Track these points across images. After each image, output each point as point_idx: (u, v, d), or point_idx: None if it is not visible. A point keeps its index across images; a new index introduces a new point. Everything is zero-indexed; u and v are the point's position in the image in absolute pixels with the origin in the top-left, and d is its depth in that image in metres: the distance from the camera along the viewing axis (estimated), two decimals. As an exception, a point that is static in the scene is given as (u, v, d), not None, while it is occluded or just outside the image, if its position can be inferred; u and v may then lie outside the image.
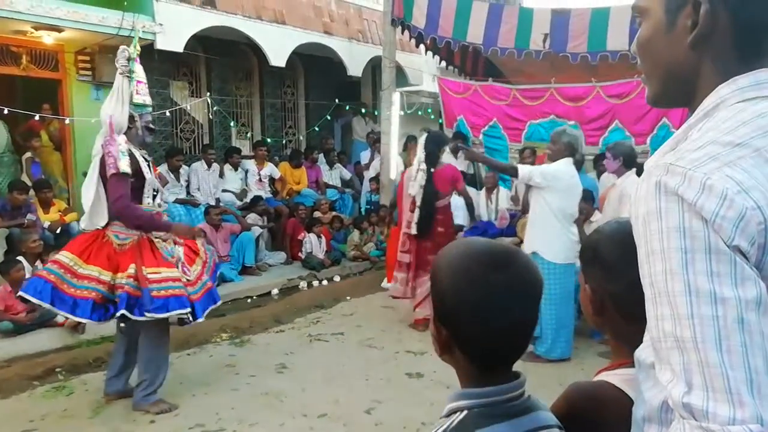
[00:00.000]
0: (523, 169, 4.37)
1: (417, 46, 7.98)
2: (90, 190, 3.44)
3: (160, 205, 3.72)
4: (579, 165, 5.75)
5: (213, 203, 7.05)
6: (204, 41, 7.66)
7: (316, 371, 4.14)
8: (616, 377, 1.03)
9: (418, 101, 9.52)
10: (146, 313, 3.26)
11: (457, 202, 6.73)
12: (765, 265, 0.69)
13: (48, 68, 6.76)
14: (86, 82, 6.90)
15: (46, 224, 5.88)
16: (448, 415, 0.91)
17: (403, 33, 7.49)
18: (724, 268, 0.67)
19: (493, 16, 6.85)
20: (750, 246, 0.68)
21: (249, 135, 9.00)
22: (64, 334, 4.68)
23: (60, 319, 4.73)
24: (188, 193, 7.24)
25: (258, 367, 4.24)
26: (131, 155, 3.43)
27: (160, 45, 6.71)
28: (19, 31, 6.13)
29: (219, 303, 3.84)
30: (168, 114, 7.54)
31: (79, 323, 4.62)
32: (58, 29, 6.11)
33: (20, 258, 4.94)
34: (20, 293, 3.31)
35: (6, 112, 6.09)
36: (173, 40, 6.82)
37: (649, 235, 0.73)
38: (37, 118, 6.41)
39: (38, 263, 5.12)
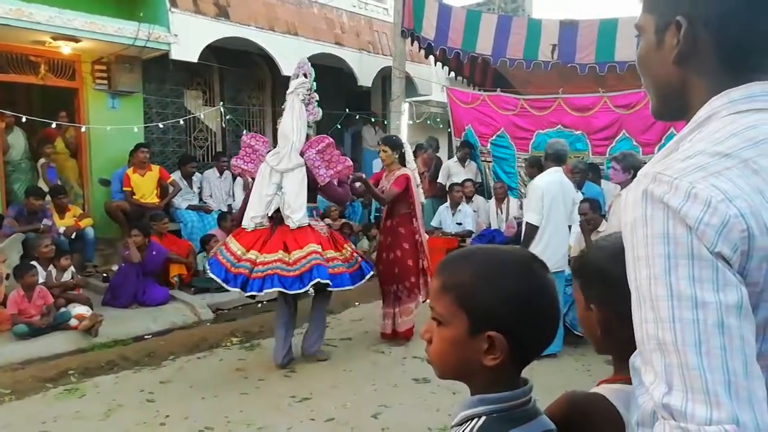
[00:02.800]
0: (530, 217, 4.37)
1: (426, 57, 8.08)
2: (302, 196, 4.23)
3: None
4: (585, 175, 5.81)
5: (225, 210, 7.15)
6: (218, 51, 7.80)
7: (324, 376, 4.18)
8: (612, 391, 1.02)
9: (427, 111, 9.61)
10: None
11: (467, 210, 6.80)
12: (750, 272, 0.71)
13: (65, 77, 6.93)
14: (102, 91, 7.05)
15: (62, 229, 6.00)
16: (460, 423, 0.89)
17: (412, 44, 7.59)
18: (706, 274, 0.69)
19: (502, 28, 6.93)
20: (733, 252, 0.69)
21: (261, 144, 9.11)
22: (77, 337, 4.76)
23: (73, 322, 4.83)
24: (200, 199, 7.35)
25: (267, 371, 4.29)
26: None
27: (174, 55, 6.85)
28: (38, 41, 6.29)
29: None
30: (182, 122, 7.67)
31: (93, 326, 4.75)
32: (76, 39, 6.27)
33: (34, 263, 5.04)
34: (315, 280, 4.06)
35: (24, 119, 6.25)
36: (188, 50, 6.96)
37: (635, 242, 0.75)
38: (53, 125, 6.56)
39: (51, 267, 5.23)
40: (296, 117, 4.28)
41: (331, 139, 4.39)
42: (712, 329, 0.68)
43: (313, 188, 4.30)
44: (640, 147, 6.28)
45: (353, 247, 4.73)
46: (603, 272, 1.00)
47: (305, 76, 4.39)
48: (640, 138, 6.29)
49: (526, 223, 4.35)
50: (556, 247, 4.32)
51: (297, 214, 4.17)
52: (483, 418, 0.88)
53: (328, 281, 4.06)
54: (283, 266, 4.01)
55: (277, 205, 4.19)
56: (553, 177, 4.39)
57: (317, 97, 4.43)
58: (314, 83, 4.42)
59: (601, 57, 6.34)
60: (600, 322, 1.02)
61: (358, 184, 4.75)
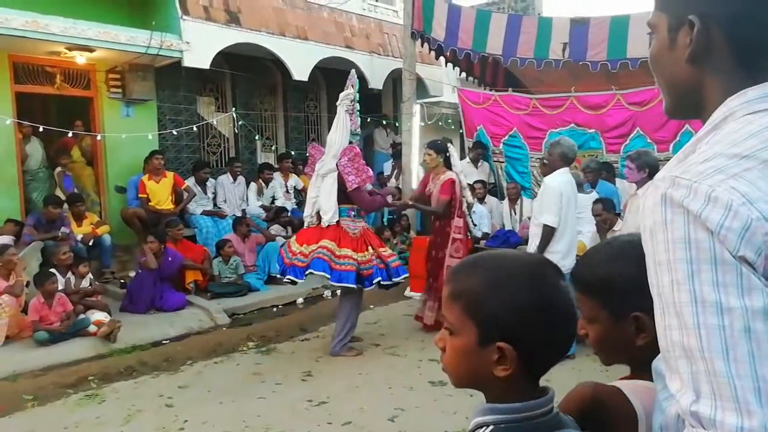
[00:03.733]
0: (546, 219, 4.37)
1: (437, 58, 8.06)
2: (332, 198, 4.56)
3: None
4: (598, 174, 5.76)
5: (239, 215, 7.20)
6: (229, 58, 7.86)
7: (341, 379, 4.19)
8: (629, 386, 1.02)
9: (438, 112, 9.59)
10: (393, 279, 4.69)
11: (482, 210, 6.77)
12: None
13: (80, 87, 7.03)
14: (116, 99, 7.15)
15: (79, 237, 6.09)
16: (473, 430, 0.88)
17: (423, 46, 7.58)
18: (730, 278, 0.68)
19: (512, 27, 6.89)
20: (757, 256, 0.68)
21: (274, 148, 9.17)
22: (96, 343, 4.83)
23: (92, 328, 4.90)
24: (215, 205, 7.41)
25: (284, 375, 4.31)
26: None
27: (187, 62, 6.92)
28: (54, 52, 6.39)
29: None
30: (195, 129, 7.74)
31: (111, 332, 4.81)
32: (90, 49, 6.36)
33: (53, 270, 5.12)
34: (310, 270, 4.44)
35: (41, 129, 6.35)
36: (200, 57, 7.03)
37: (655, 246, 0.74)
38: (70, 134, 6.65)
39: (70, 274, 5.31)
40: (340, 126, 4.64)
41: (359, 150, 4.65)
42: (739, 335, 0.67)
43: (345, 192, 4.58)
44: (654, 144, 6.21)
45: (390, 252, 4.95)
46: (619, 283, 0.98)
47: (352, 87, 4.74)
48: (655, 135, 6.23)
49: (543, 225, 4.31)
50: (562, 247, 4.34)
51: (327, 214, 4.56)
52: (490, 428, 0.86)
53: (323, 273, 4.40)
54: (301, 258, 4.50)
55: (319, 206, 4.63)
56: (566, 177, 4.40)
57: (358, 107, 4.73)
58: (357, 94, 4.74)
59: (612, 54, 6.28)
60: (646, 331, 0.96)
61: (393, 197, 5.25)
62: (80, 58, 6.52)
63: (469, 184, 7.01)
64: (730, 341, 0.67)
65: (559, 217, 4.30)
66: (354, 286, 4.51)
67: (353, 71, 4.96)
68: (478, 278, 0.88)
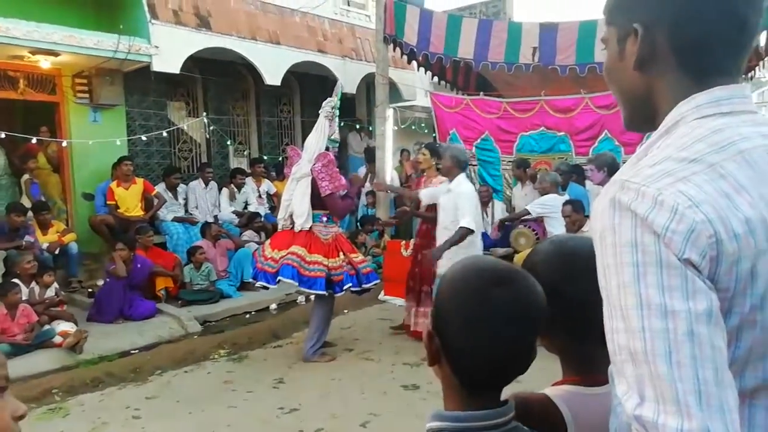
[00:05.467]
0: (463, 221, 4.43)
1: (409, 62, 8.09)
2: (305, 202, 4.57)
3: None
4: (569, 176, 5.84)
5: (211, 221, 7.11)
6: (200, 62, 7.77)
7: (313, 386, 4.15)
8: (557, 392, 1.02)
9: (411, 116, 9.63)
10: (364, 285, 4.68)
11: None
12: (720, 277, 0.70)
13: (45, 92, 6.87)
14: (83, 104, 7.00)
15: (45, 245, 5.93)
16: None
17: (395, 50, 7.60)
18: (675, 282, 0.68)
19: (483, 32, 6.96)
20: (701, 259, 0.69)
21: (246, 153, 9.09)
22: (61, 354, 4.70)
23: (58, 339, 4.77)
24: (186, 211, 7.30)
25: (255, 383, 4.25)
26: None
27: (156, 67, 6.81)
28: (17, 56, 6.23)
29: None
30: (165, 134, 7.63)
31: (77, 343, 4.69)
32: (55, 53, 6.21)
33: (16, 280, 4.97)
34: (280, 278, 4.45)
35: (3, 135, 6.18)
36: (169, 61, 6.93)
37: (604, 250, 0.74)
38: (34, 141, 6.48)
39: (34, 284, 5.16)
40: (318, 131, 4.70)
41: (333, 157, 4.64)
42: (682, 338, 0.67)
43: (319, 197, 4.58)
44: (622, 147, 6.33)
45: (361, 258, 4.94)
46: (536, 277, 0.97)
47: (335, 96, 4.79)
48: (622, 138, 6.34)
49: (464, 228, 4.33)
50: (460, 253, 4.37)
51: (300, 218, 4.59)
52: None
53: (291, 280, 4.42)
54: (272, 263, 4.51)
55: (292, 210, 4.66)
56: (471, 184, 4.65)
57: (337, 114, 4.78)
58: (338, 101, 4.77)
59: (581, 58, 6.38)
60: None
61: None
62: (45, 63, 6.37)
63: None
64: (673, 345, 0.67)
65: (475, 222, 4.40)
66: (324, 292, 4.49)
67: (340, 81, 5.12)
68: (446, 272, 0.94)
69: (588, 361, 1.01)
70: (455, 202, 4.45)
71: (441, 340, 0.88)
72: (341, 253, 4.62)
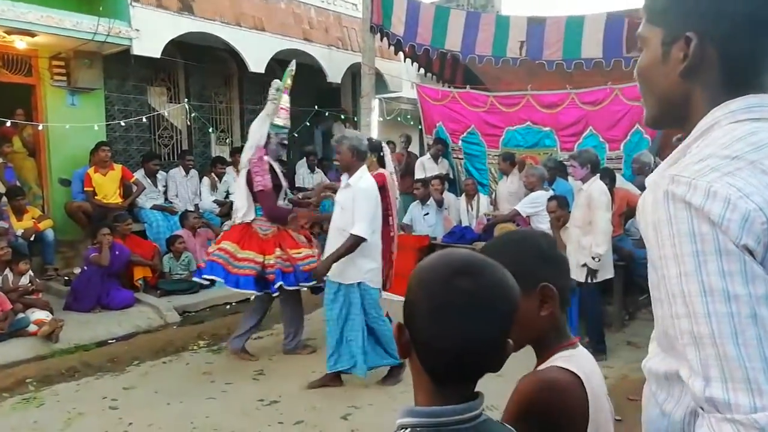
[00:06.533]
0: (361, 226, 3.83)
1: (396, 53, 8.03)
2: (243, 195, 4.39)
3: (286, 204, 4.68)
4: (556, 172, 5.86)
5: (191, 210, 7.00)
6: (182, 47, 7.61)
7: (294, 377, 4.11)
8: (563, 360, 1.11)
9: (397, 108, 9.58)
10: (300, 284, 4.32)
11: (434, 204, 6.78)
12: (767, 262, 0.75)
13: (21, 73, 6.67)
14: (61, 87, 6.81)
15: (20, 232, 5.78)
16: (396, 431, 0.87)
17: (382, 40, 7.53)
18: (735, 267, 0.73)
19: (471, 24, 6.92)
20: (756, 244, 0.73)
21: (228, 141, 8.95)
22: (36, 343, 4.59)
23: (32, 328, 4.66)
24: (166, 199, 7.17)
25: (235, 375, 4.21)
26: (272, 170, 4.36)
27: (136, 51, 6.66)
28: (-9, 36, 6.03)
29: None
30: (145, 120, 7.46)
31: (53, 332, 4.58)
32: (31, 34, 6.02)
33: (-11, 268, 4.85)
34: (204, 275, 4.30)
35: (-23, 118, 5.99)
36: (150, 45, 6.77)
37: (661, 241, 0.79)
38: (9, 124, 6.30)
39: (8, 271, 5.03)
40: (261, 116, 4.49)
41: (262, 155, 4.37)
42: (747, 320, 0.72)
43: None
44: (606, 143, 6.37)
45: (306, 254, 4.43)
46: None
47: (290, 78, 4.61)
48: (607, 134, 6.37)
49: (355, 237, 3.71)
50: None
51: (237, 212, 4.45)
52: (408, 430, 0.85)
53: (215, 277, 4.27)
54: (205, 258, 4.46)
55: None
56: (372, 180, 3.95)
57: (287, 99, 4.52)
58: (280, 82, 4.52)
59: (568, 54, 6.39)
60: (550, 302, 1.12)
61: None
62: (20, 43, 6.17)
63: (420, 180, 7.02)
64: (738, 327, 0.72)
65: (372, 228, 3.78)
66: (254, 292, 4.32)
67: (294, 61, 4.75)
68: (418, 264, 0.92)
69: (566, 327, 1.19)
70: (350, 200, 3.79)
71: (410, 331, 0.87)
72: (278, 249, 4.30)
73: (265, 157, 4.36)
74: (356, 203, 3.74)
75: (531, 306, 1.11)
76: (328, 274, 3.85)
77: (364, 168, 3.89)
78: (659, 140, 6.05)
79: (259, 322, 4.64)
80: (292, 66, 4.70)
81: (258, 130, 4.40)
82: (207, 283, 4.51)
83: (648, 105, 0.97)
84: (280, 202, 4.54)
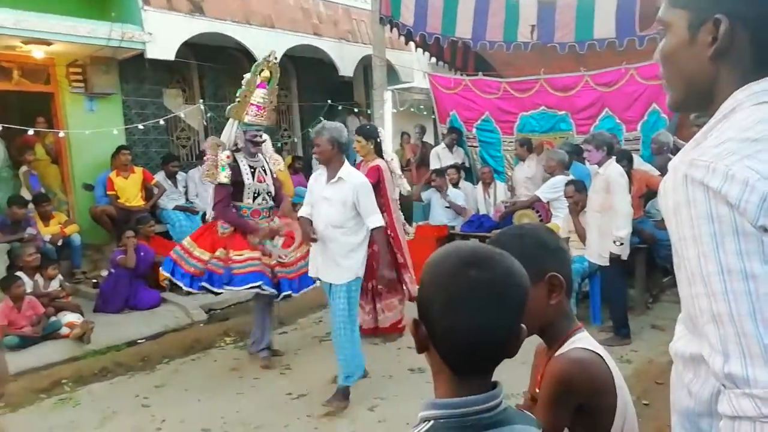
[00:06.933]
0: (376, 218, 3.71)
1: (406, 43, 8.00)
2: (209, 192, 4.47)
3: (259, 204, 4.36)
4: (572, 156, 5.82)
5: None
6: (195, 48, 7.68)
7: (320, 371, 4.17)
8: (581, 342, 1.18)
9: (410, 98, 9.55)
10: (224, 286, 4.14)
11: (457, 194, 6.79)
12: None
13: (40, 82, 6.80)
14: (79, 93, 6.93)
15: (47, 237, 5.93)
16: (418, 424, 0.89)
17: (392, 31, 7.50)
18: (752, 247, 0.75)
19: (480, 10, 6.87)
20: None
21: (244, 139, 9.03)
22: (69, 345, 4.72)
23: (65, 330, 4.79)
24: (187, 199, 7.28)
25: (262, 370, 4.29)
26: (235, 166, 4.20)
27: (150, 54, 6.73)
28: (9, 46, 6.15)
29: (313, 285, 4.37)
30: (163, 122, 7.56)
31: (84, 334, 4.71)
32: (48, 42, 6.13)
33: (20, 273, 4.98)
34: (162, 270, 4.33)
35: (0, 127, 6.13)
36: (163, 48, 6.85)
37: (680, 223, 0.81)
38: (31, 132, 6.44)
39: (38, 276, 5.17)
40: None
41: (208, 153, 4.23)
42: (764, 298, 0.74)
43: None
44: (623, 124, 6.29)
45: (248, 256, 4.18)
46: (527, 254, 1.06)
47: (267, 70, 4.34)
48: (623, 115, 6.29)
49: (379, 227, 3.65)
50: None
51: (208, 208, 4.53)
52: (431, 423, 0.87)
53: (167, 273, 4.27)
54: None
55: None
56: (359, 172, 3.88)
57: (261, 95, 4.24)
58: (248, 77, 4.21)
59: (580, 36, 6.30)
60: (558, 290, 1.18)
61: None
62: (38, 52, 6.29)
63: (442, 169, 7.04)
64: (756, 304, 0.74)
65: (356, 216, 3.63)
66: (189, 288, 4.24)
67: (272, 51, 4.40)
68: (429, 258, 0.95)
69: (572, 313, 1.26)
70: (347, 194, 3.55)
71: (426, 325, 0.89)
72: (221, 250, 4.17)
73: (226, 159, 4.16)
74: (361, 199, 3.56)
75: (539, 296, 1.17)
76: (330, 277, 3.67)
77: (346, 161, 3.70)
78: (677, 119, 5.96)
79: (268, 322, 4.51)
80: (271, 57, 4.36)
81: (228, 129, 4.29)
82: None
83: (673, 89, 0.97)
84: (248, 200, 4.28)
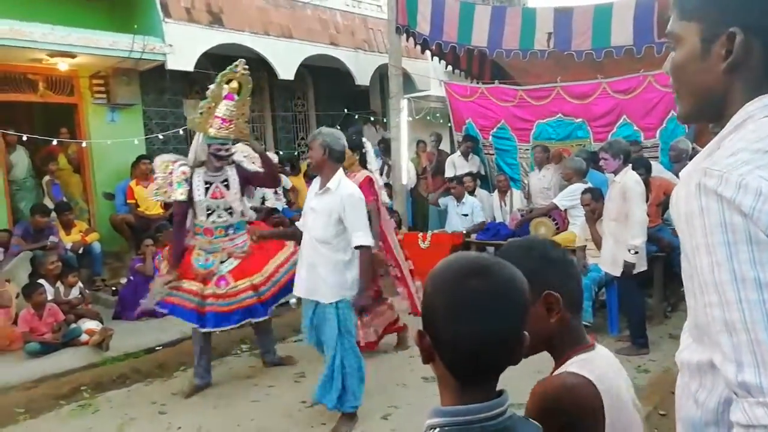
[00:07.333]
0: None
1: (422, 52, 8.03)
2: None
3: (213, 221, 4.06)
4: (589, 163, 5.76)
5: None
6: (213, 59, 7.79)
7: (334, 379, 4.18)
8: (575, 365, 1.13)
9: (426, 106, 9.57)
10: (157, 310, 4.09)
11: (473, 202, 6.77)
12: None
13: (64, 93, 6.97)
14: (101, 105, 7.09)
15: (69, 245, 6.05)
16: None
17: (408, 40, 7.55)
18: (766, 256, 0.75)
19: (497, 19, 6.87)
20: None
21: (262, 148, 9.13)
22: (88, 352, 4.80)
23: (84, 337, 4.87)
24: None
25: (277, 378, 4.31)
26: (192, 182, 3.99)
27: (171, 65, 6.87)
28: (35, 59, 6.33)
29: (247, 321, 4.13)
30: (182, 132, 7.69)
31: (103, 341, 4.78)
32: (72, 55, 6.30)
33: (41, 281, 5.09)
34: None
35: (25, 138, 6.30)
36: (184, 59, 6.97)
37: (692, 232, 0.81)
38: (55, 143, 6.60)
39: (59, 284, 5.27)
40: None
41: (186, 170, 4.01)
42: None
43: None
44: (641, 132, 6.23)
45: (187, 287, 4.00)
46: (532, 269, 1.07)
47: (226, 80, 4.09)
48: (641, 123, 6.23)
49: (364, 247, 3.31)
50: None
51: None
52: (437, 430, 0.88)
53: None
54: None
55: None
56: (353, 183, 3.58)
57: (225, 107, 3.97)
58: (212, 88, 3.99)
59: (597, 43, 6.26)
60: (557, 308, 1.14)
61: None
62: (62, 65, 6.46)
63: (453, 178, 7.03)
64: None
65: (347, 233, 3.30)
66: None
67: (240, 61, 4.12)
68: (428, 278, 0.96)
69: (582, 330, 1.21)
70: (333, 207, 3.27)
71: (430, 336, 0.91)
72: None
73: (182, 175, 3.98)
74: (348, 213, 3.25)
75: (539, 312, 1.13)
76: (315, 294, 3.41)
77: (340, 171, 3.40)
78: (696, 126, 5.88)
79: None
80: (239, 68, 4.06)
81: (195, 143, 4.09)
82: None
83: (683, 101, 0.97)
84: (201, 217, 4.03)
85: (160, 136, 7.45)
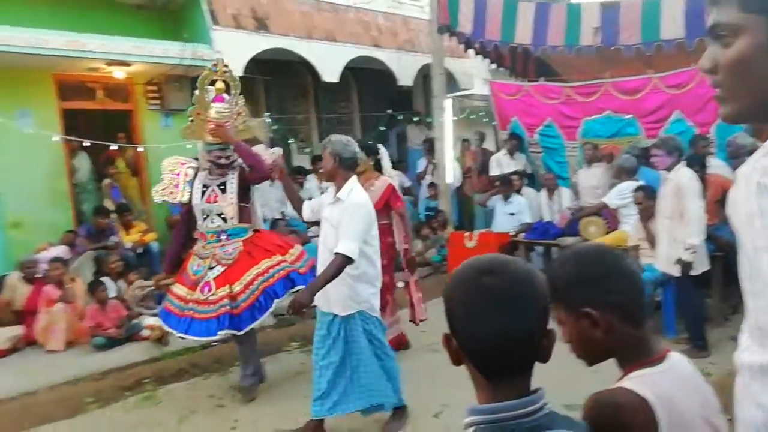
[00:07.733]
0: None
1: (465, 51, 8.02)
2: None
3: (207, 226, 4.00)
4: (639, 161, 5.63)
5: (278, 217, 7.35)
6: (260, 63, 8.00)
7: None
8: (632, 381, 1.07)
9: (470, 105, 9.55)
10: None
11: (520, 201, 6.72)
12: None
13: (120, 100, 7.30)
14: (155, 110, 7.38)
15: (128, 245, 6.34)
16: (464, 430, 0.92)
17: (450, 39, 7.54)
18: None
19: (541, 16, 6.80)
20: None
21: (308, 150, 9.30)
22: (149, 346, 5.02)
23: (145, 332, 5.10)
24: (253, 208, 7.56)
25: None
26: (193, 184, 4.02)
27: (220, 71, 7.07)
28: (94, 68, 6.65)
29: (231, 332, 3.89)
30: (231, 135, 7.90)
31: (163, 336, 4.99)
32: (127, 63, 6.59)
33: (104, 279, 5.36)
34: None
35: (88, 143, 6.63)
36: (231, 65, 7.11)
37: (753, 233, 0.79)
38: (113, 147, 6.91)
39: (121, 281, 5.53)
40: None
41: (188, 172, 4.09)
42: None
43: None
44: (695, 127, 6.04)
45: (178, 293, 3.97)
46: (583, 277, 1.08)
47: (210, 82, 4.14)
48: (695, 118, 6.04)
49: (341, 256, 3.09)
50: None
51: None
52: (473, 429, 0.90)
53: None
54: None
55: None
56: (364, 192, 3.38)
57: (217, 109, 3.97)
58: (197, 94, 4.05)
59: (646, 37, 6.11)
60: (600, 324, 1.06)
61: None
62: (118, 73, 6.76)
63: (505, 175, 6.99)
64: None
65: (359, 247, 3.14)
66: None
67: (219, 59, 4.09)
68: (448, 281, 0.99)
69: (647, 343, 1.11)
70: (340, 217, 3.18)
71: (456, 338, 0.93)
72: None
73: (200, 173, 4.03)
74: (344, 219, 3.14)
75: (583, 327, 1.08)
76: (319, 304, 3.37)
77: (353, 179, 3.28)
78: (755, 121, 5.67)
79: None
80: (218, 66, 4.06)
81: (201, 150, 4.07)
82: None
83: (736, 100, 0.90)
84: (199, 222, 4.02)
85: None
